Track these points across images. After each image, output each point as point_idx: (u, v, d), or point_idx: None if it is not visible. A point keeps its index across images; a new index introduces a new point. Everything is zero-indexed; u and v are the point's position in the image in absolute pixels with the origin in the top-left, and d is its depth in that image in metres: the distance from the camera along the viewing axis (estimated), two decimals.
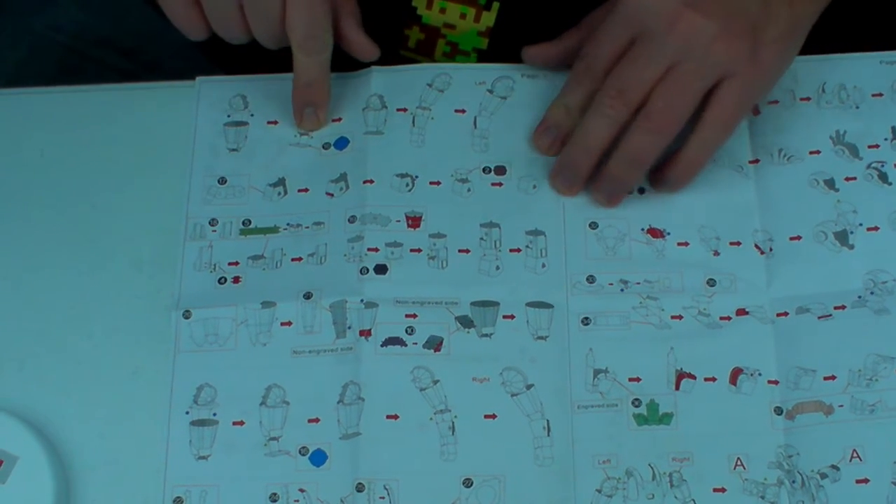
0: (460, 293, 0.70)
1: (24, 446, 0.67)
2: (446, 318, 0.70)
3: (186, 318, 0.71)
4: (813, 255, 0.71)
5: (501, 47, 0.79)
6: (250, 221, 0.73)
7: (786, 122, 0.75)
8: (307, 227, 0.73)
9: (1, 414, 0.68)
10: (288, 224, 0.73)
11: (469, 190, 0.73)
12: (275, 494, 0.67)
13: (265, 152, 0.75)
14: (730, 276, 0.71)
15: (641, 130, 0.69)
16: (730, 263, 0.71)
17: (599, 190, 0.72)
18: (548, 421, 0.68)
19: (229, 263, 0.72)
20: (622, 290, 0.71)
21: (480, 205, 0.73)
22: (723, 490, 0.66)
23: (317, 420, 0.68)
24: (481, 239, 0.72)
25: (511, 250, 0.72)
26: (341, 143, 0.75)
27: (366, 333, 0.69)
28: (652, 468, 0.67)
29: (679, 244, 0.72)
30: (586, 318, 0.70)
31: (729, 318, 0.70)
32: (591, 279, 0.71)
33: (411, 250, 0.72)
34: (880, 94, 0.75)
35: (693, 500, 0.66)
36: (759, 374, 0.68)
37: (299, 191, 0.74)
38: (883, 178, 0.73)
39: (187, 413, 0.69)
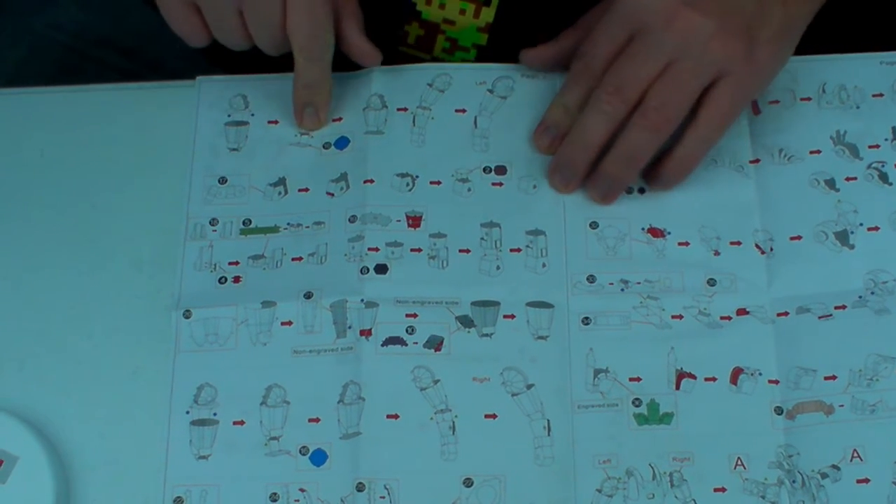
0: (461, 293, 0.70)
1: (24, 446, 0.67)
2: (447, 317, 0.70)
3: (187, 317, 0.71)
4: (813, 254, 0.71)
5: (501, 43, 0.79)
6: (251, 221, 0.73)
7: (786, 122, 0.75)
8: (307, 227, 0.73)
9: (1, 414, 0.68)
10: (288, 224, 0.73)
11: (469, 190, 0.73)
12: (275, 494, 0.67)
13: (265, 152, 0.75)
14: (730, 276, 0.71)
15: (638, 128, 0.70)
16: (730, 263, 0.71)
17: (595, 187, 0.72)
18: (548, 421, 0.68)
19: (230, 263, 0.72)
20: (622, 289, 0.71)
21: (481, 205, 0.73)
22: (723, 490, 0.66)
23: (317, 420, 0.68)
24: (482, 239, 0.72)
25: (511, 250, 0.72)
26: (342, 142, 0.75)
27: (366, 333, 0.69)
28: (652, 468, 0.67)
29: (679, 244, 0.72)
30: (587, 318, 0.70)
31: (729, 318, 0.70)
32: (591, 279, 0.71)
33: (412, 250, 0.72)
34: (881, 95, 0.75)
35: (693, 500, 0.66)
36: (760, 374, 0.68)
37: (300, 190, 0.74)
38: (883, 178, 0.73)
39: (187, 413, 0.69)
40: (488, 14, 0.79)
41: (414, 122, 0.75)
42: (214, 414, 0.69)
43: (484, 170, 0.74)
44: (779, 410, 0.68)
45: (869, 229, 0.72)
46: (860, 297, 0.70)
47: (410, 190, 0.73)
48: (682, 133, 0.70)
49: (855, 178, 0.73)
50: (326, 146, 0.75)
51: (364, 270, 0.71)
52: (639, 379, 0.69)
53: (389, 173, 0.74)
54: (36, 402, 0.69)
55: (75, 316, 0.72)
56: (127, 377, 0.70)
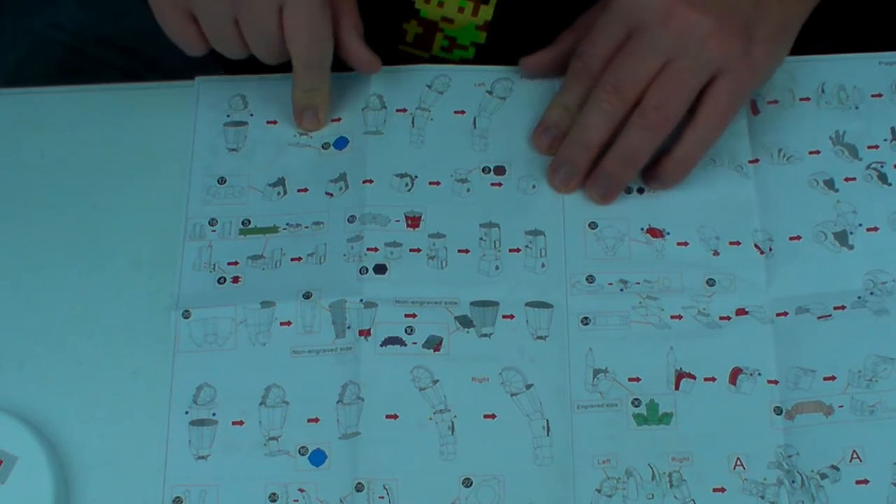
0: (460, 293, 0.70)
1: (24, 446, 0.67)
2: (446, 317, 0.70)
3: (186, 317, 0.71)
4: (813, 255, 0.71)
5: (500, 42, 0.79)
6: (250, 221, 0.73)
7: (785, 122, 0.75)
8: (307, 227, 0.73)
9: (1, 414, 0.68)
10: (287, 224, 0.73)
11: (468, 190, 0.73)
12: (274, 494, 0.67)
13: (265, 152, 0.75)
14: (729, 276, 0.71)
15: (637, 127, 0.70)
16: (729, 263, 0.71)
17: (594, 187, 0.72)
18: (547, 421, 0.68)
19: (229, 263, 0.72)
20: (622, 289, 0.71)
21: (480, 205, 0.73)
22: (722, 490, 0.66)
23: (316, 420, 0.68)
24: (481, 239, 0.72)
25: (510, 250, 0.72)
26: (341, 142, 0.75)
27: (365, 333, 0.69)
28: (651, 468, 0.67)
29: (679, 244, 0.72)
30: (586, 318, 0.70)
31: (728, 318, 0.70)
32: (590, 279, 0.71)
33: (411, 250, 0.72)
34: (880, 95, 0.75)
35: (693, 500, 0.66)
36: (759, 374, 0.68)
37: (299, 191, 0.74)
38: (882, 178, 0.73)
39: (187, 413, 0.69)
40: (487, 12, 0.79)
41: (413, 122, 0.75)
42: (213, 414, 0.69)
43: (483, 170, 0.74)
44: (778, 410, 0.68)
45: (868, 230, 0.72)
46: (859, 297, 0.70)
47: (409, 190, 0.73)
48: (681, 133, 0.71)
49: (854, 179, 0.73)
50: (325, 146, 0.75)
51: (363, 270, 0.71)
52: (638, 379, 0.69)
53: (388, 173, 0.74)
54: (36, 402, 0.69)
55: (75, 316, 0.72)
56: (126, 377, 0.70)
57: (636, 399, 0.68)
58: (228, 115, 0.76)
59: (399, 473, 0.67)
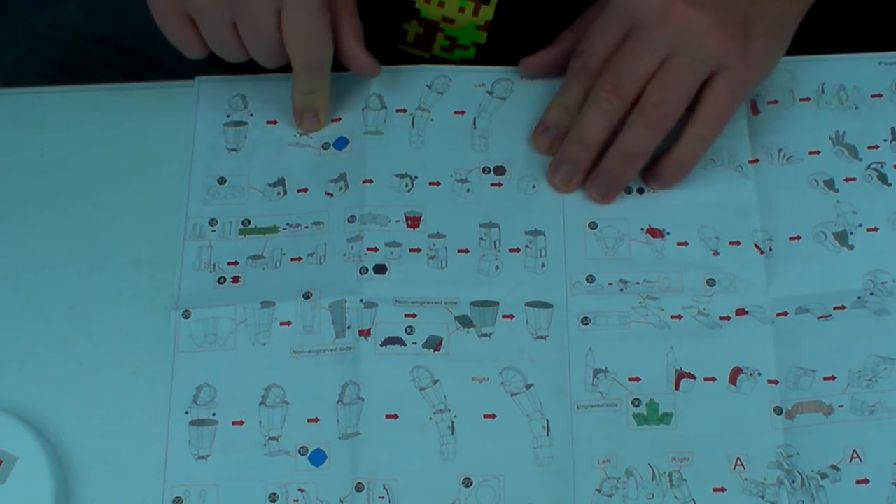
0: (460, 293, 0.70)
1: (24, 446, 0.67)
2: (446, 317, 0.70)
3: (186, 317, 0.71)
4: (813, 255, 0.71)
5: (500, 42, 0.79)
6: (250, 221, 0.73)
7: (785, 122, 0.75)
8: (307, 227, 0.73)
9: (1, 414, 0.68)
10: (287, 224, 0.73)
11: (468, 190, 0.73)
12: (274, 494, 0.67)
13: (265, 152, 0.75)
14: (729, 276, 0.71)
15: (636, 125, 0.70)
16: (729, 263, 0.71)
17: (595, 186, 0.72)
18: (547, 421, 0.68)
19: (229, 263, 0.72)
20: (622, 289, 0.71)
21: (480, 205, 0.73)
22: (722, 490, 0.66)
23: (316, 420, 0.68)
24: (481, 239, 0.72)
25: (510, 250, 0.72)
26: (341, 142, 0.75)
27: (365, 333, 0.69)
28: (652, 468, 0.67)
29: (679, 244, 0.72)
30: (586, 318, 0.70)
31: (728, 318, 0.70)
32: (590, 279, 0.71)
33: (411, 250, 0.72)
34: (880, 95, 0.75)
35: (693, 500, 0.66)
36: (759, 374, 0.68)
37: (299, 191, 0.74)
38: (882, 178, 0.73)
39: (187, 413, 0.69)
40: (487, 12, 0.79)
41: (413, 123, 0.75)
42: (213, 414, 0.69)
43: (483, 170, 0.74)
44: (778, 410, 0.68)
45: (868, 230, 0.72)
46: (859, 297, 0.70)
47: (409, 190, 0.73)
48: (681, 132, 0.71)
49: (854, 179, 0.73)
50: (325, 146, 0.75)
51: (363, 270, 0.71)
52: (638, 379, 0.69)
53: (388, 173, 0.74)
54: (35, 402, 0.69)
55: (75, 316, 0.72)
56: (127, 377, 0.70)
57: (636, 399, 0.68)
58: (228, 115, 0.76)
59: (399, 473, 0.67)
